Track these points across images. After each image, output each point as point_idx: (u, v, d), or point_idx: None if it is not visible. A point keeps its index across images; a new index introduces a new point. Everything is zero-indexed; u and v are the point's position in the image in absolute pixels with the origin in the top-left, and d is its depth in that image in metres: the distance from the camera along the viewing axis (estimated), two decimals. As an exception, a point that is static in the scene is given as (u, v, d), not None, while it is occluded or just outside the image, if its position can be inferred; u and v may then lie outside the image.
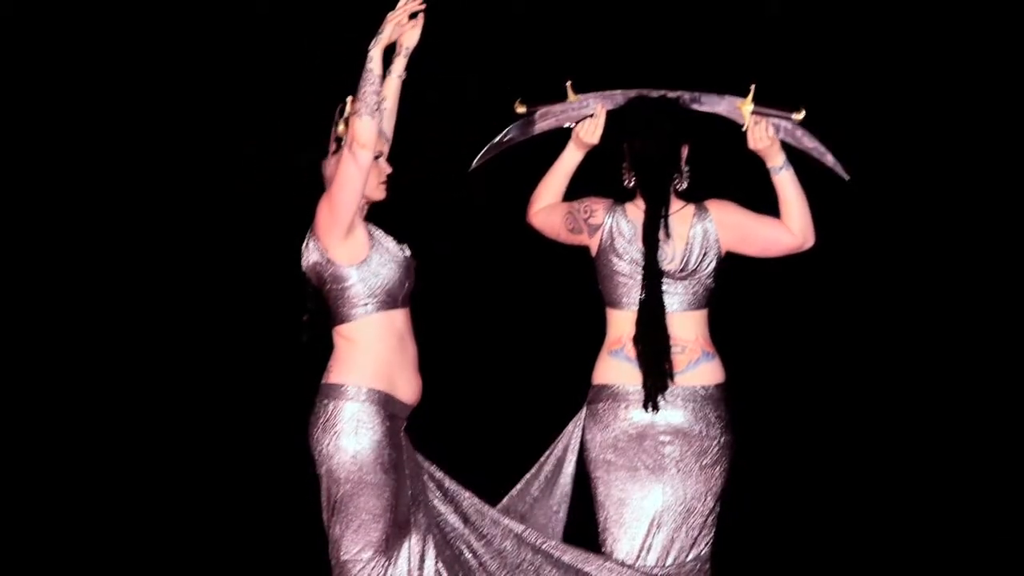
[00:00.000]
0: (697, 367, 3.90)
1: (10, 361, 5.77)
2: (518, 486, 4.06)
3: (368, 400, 3.76)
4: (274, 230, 3.98)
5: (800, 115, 4.02)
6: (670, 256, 3.90)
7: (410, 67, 3.81)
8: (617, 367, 3.93)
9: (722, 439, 3.91)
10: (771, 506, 5.47)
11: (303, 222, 3.83)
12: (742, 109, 4.01)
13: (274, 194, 3.78)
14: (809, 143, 4.06)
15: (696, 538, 3.90)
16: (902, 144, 5.44)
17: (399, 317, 3.86)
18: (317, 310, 3.88)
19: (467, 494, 3.94)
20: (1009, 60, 5.36)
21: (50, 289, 5.77)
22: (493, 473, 4.13)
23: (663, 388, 3.85)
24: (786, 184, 3.93)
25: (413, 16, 3.71)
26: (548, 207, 4.06)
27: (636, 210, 3.94)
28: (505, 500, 4.04)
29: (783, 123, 4.03)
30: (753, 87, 4.02)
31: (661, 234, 3.87)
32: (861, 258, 5.50)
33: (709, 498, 3.91)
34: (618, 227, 3.93)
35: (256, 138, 5.59)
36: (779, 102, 4.04)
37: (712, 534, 3.93)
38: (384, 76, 3.72)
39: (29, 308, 5.76)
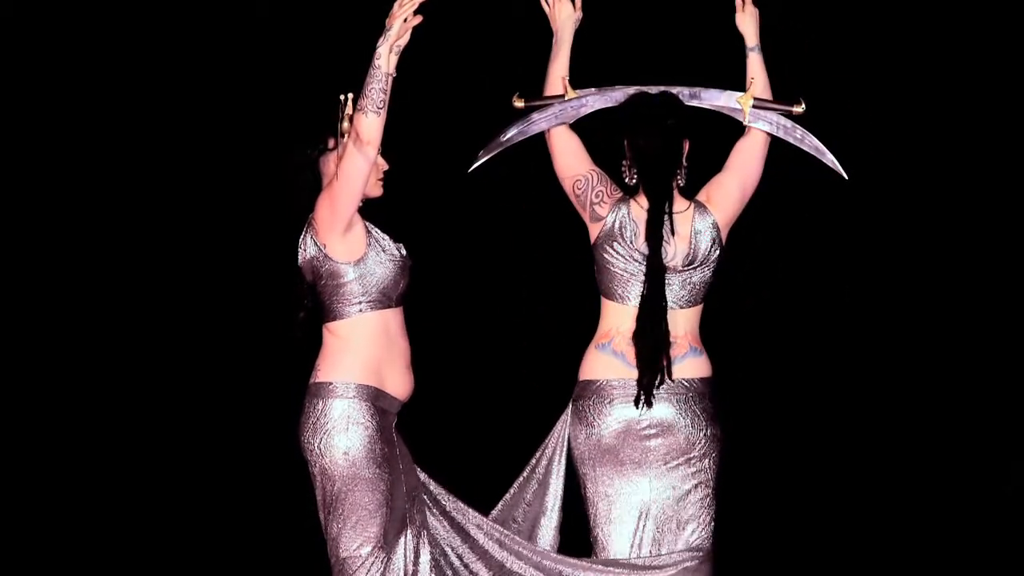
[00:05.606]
0: (684, 361, 3.88)
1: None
2: (511, 491, 4.02)
3: (357, 396, 3.75)
4: (270, 229, 3.97)
5: (800, 108, 4.01)
6: (671, 254, 3.88)
7: (404, 66, 3.78)
8: (603, 361, 3.91)
9: (708, 431, 3.89)
10: (769, 503, 5.45)
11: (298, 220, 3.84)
12: (742, 103, 4.00)
13: (272, 193, 3.76)
14: (809, 142, 4.05)
15: (687, 530, 3.87)
16: (900, 143, 5.44)
17: (392, 317, 3.86)
18: (313, 306, 3.88)
19: (451, 497, 3.94)
20: (1011, 57, 5.36)
21: (45, 291, 5.73)
22: (484, 472, 4.14)
23: (659, 384, 3.82)
24: (755, 64, 4.03)
25: (417, 12, 3.67)
26: (566, 142, 4.01)
27: (638, 207, 3.91)
28: (500, 506, 4.01)
29: (782, 121, 4.01)
30: (752, 80, 4.01)
31: (665, 231, 3.85)
32: (857, 256, 5.49)
33: (698, 490, 3.88)
34: (622, 223, 3.90)
35: (257, 138, 5.56)
36: (778, 96, 4.02)
37: (705, 526, 3.89)
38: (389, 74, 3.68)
39: (25, 306, 5.72)
